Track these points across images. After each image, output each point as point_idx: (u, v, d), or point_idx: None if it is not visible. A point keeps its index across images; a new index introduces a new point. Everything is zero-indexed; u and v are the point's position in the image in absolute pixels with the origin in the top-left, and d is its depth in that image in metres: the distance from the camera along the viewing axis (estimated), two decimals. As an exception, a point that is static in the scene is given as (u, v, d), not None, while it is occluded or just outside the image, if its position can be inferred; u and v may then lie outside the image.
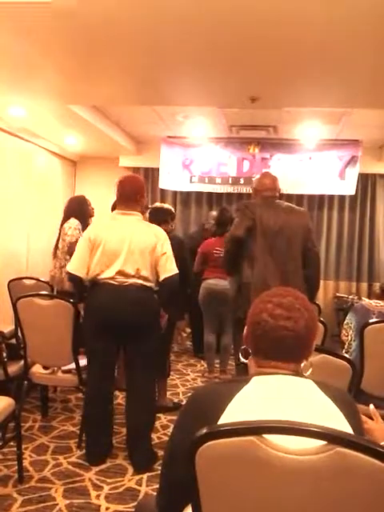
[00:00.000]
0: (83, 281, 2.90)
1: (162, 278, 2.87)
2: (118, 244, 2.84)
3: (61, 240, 4.34)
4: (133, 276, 2.82)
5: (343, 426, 1.11)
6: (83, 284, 2.92)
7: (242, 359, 1.33)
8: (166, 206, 4.14)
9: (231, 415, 1.09)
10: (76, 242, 4.01)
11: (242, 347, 1.32)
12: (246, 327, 1.31)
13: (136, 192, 3.00)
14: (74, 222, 4.27)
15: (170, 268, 2.88)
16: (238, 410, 1.10)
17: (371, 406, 1.55)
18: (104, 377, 2.93)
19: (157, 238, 2.89)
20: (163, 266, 2.86)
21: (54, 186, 6.48)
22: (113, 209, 3.55)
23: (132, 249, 2.83)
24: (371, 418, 1.52)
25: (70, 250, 3.98)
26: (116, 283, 2.82)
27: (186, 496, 1.13)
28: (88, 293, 2.95)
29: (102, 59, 3.20)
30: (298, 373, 1.23)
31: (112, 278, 2.82)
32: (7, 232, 5.29)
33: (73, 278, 2.93)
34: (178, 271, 2.91)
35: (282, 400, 1.14)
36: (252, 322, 1.27)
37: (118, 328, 2.81)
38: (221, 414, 1.10)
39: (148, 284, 2.87)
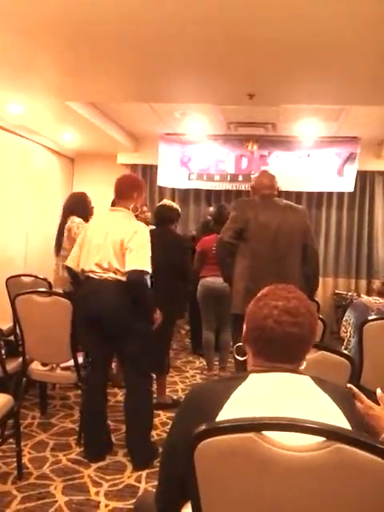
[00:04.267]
0: (77, 273, 2.98)
1: (126, 270, 2.75)
2: (99, 238, 2.87)
3: (65, 239, 4.21)
4: (107, 270, 2.82)
5: (341, 421, 1.11)
6: (78, 277, 3.00)
7: (238, 358, 1.32)
8: (175, 205, 4.04)
9: (229, 412, 1.09)
10: None
11: (237, 344, 1.31)
12: (245, 328, 1.29)
13: (128, 187, 2.98)
14: (79, 221, 4.20)
15: (131, 262, 2.74)
16: (235, 407, 1.10)
17: (378, 391, 1.52)
18: (96, 372, 2.95)
19: (130, 232, 2.80)
20: (128, 258, 2.75)
21: (52, 182, 6.47)
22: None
23: (107, 243, 2.84)
24: (378, 404, 1.49)
25: None
26: (96, 277, 2.84)
27: (185, 492, 1.14)
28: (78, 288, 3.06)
29: (99, 56, 3.19)
30: (295, 370, 1.23)
31: (93, 272, 2.85)
32: (5, 229, 5.29)
33: (68, 271, 3.07)
34: (143, 268, 2.74)
35: (280, 397, 1.14)
36: (255, 326, 1.24)
37: (99, 323, 2.80)
38: (219, 411, 1.10)
39: (123, 279, 2.79)
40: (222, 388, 1.17)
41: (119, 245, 2.80)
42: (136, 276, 2.73)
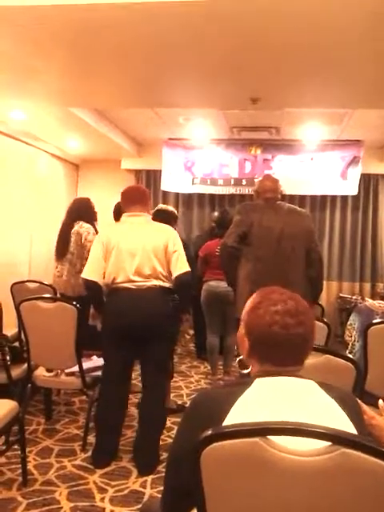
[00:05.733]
0: (101, 286, 2.88)
1: (174, 275, 2.88)
2: (131, 245, 2.86)
3: (72, 243, 4.19)
4: (150, 276, 2.83)
5: (347, 426, 1.11)
6: (101, 290, 2.89)
7: (244, 371, 1.30)
8: (170, 208, 4.14)
9: (234, 418, 1.08)
10: None
11: (239, 358, 1.30)
12: (247, 340, 1.28)
13: (141, 194, 3.09)
14: (89, 227, 4.20)
15: (181, 266, 2.89)
16: (241, 413, 1.10)
17: (380, 402, 1.53)
18: (121, 383, 2.95)
19: (168, 236, 2.93)
20: (174, 263, 2.89)
21: (57, 189, 6.49)
22: (115, 213, 3.55)
23: (146, 249, 2.85)
24: (380, 414, 1.50)
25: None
26: (134, 287, 2.82)
27: (191, 501, 1.13)
28: (106, 299, 2.94)
29: (102, 62, 3.21)
30: (299, 374, 1.23)
31: (129, 281, 2.82)
32: (10, 235, 5.31)
33: (89, 284, 2.89)
34: (189, 269, 2.94)
35: (286, 402, 1.13)
36: (261, 335, 1.24)
37: (137, 333, 2.81)
38: (224, 417, 1.10)
39: (166, 285, 2.89)
40: (226, 394, 1.17)
41: (163, 250, 2.86)
42: (187, 277, 2.91)
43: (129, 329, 2.81)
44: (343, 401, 1.17)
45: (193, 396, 1.27)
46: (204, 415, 1.15)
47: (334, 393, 1.18)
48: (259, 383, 1.18)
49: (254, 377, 1.22)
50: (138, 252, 2.84)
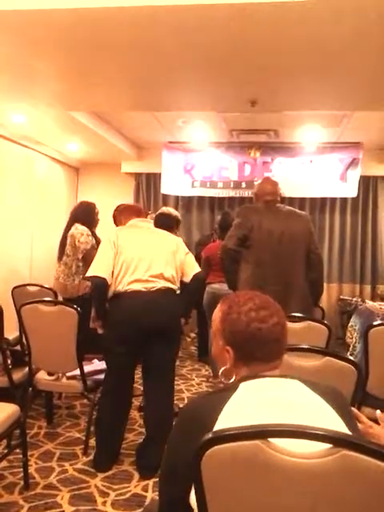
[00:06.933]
0: (108, 284, 2.81)
1: (191, 275, 3.01)
2: (141, 248, 2.90)
3: (68, 246, 4.26)
4: (159, 277, 2.85)
5: (337, 422, 1.12)
6: (107, 288, 2.82)
7: (229, 381, 1.26)
8: (174, 213, 4.10)
9: (224, 425, 1.07)
10: (92, 248, 4.02)
11: (223, 369, 1.27)
12: (230, 348, 1.25)
13: (139, 210, 3.32)
14: (83, 229, 4.24)
15: (195, 265, 3.08)
16: (229, 419, 1.09)
17: (378, 412, 1.54)
18: (126, 386, 2.95)
19: (176, 241, 3.08)
20: (190, 264, 3.04)
21: (57, 192, 6.50)
22: (114, 219, 3.55)
23: (157, 251, 2.92)
24: (377, 423, 1.51)
25: (86, 258, 3.98)
26: (144, 290, 2.81)
27: (189, 509, 1.12)
28: (111, 304, 2.88)
29: (102, 66, 3.22)
30: (282, 373, 1.24)
31: (139, 281, 2.81)
32: (10, 239, 5.31)
33: (97, 282, 2.81)
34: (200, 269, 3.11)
35: (273, 403, 1.13)
36: (243, 337, 1.23)
37: (147, 335, 2.80)
38: (213, 425, 1.08)
39: (173, 287, 2.93)
40: (213, 401, 1.16)
41: (174, 252, 2.97)
42: (202, 275, 3.17)
43: (141, 332, 2.78)
44: (329, 396, 1.18)
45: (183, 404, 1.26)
46: (193, 425, 1.13)
47: (320, 389, 1.19)
48: (245, 387, 1.18)
49: (238, 382, 1.21)
50: (149, 254, 2.88)
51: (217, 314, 1.32)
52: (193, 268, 3.03)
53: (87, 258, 3.89)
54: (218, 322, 1.30)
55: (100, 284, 2.81)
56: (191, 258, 3.08)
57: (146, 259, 2.86)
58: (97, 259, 2.88)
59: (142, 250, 2.89)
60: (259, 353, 1.23)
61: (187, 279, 3.01)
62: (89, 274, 2.85)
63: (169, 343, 2.89)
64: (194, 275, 3.01)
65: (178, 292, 2.99)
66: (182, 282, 3.02)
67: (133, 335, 2.81)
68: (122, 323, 2.82)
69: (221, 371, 1.29)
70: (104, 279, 2.78)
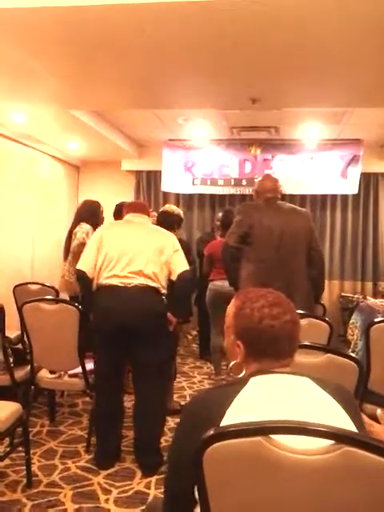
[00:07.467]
0: (89, 278, 2.89)
1: (177, 273, 2.92)
2: (126, 243, 2.88)
3: (72, 244, 4.26)
4: (138, 274, 2.82)
5: (345, 420, 1.12)
6: (89, 282, 2.91)
7: (238, 375, 1.27)
8: (176, 210, 4.08)
9: (232, 419, 1.07)
10: (83, 245, 4.03)
11: (233, 363, 1.29)
12: (239, 343, 1.27)
13: (143, 207, 3.25)
14: (85, 227, 4.24)
15: (183, 263, 2.97)
16: (238, 413, 1.09)
17: (378, 411, 1.55)
18: (114, 382, 2.94)
19: (167, 238, 3.00)
20: (177, 262, 2.94)
21: (58, 191, 6.50)
22: (115, 214, 3.56)
23: (141, 248, 2.87)
24: (378, 422, 1.52)
25: (75, 253, 3.99)
26: (121, 285, 2.81)
27: (193, 505, 1.13)
28: (94, 297, 2.94)
29: (102, 64, 3.21)
30: (293, 370, 1.24)
31: (117, 277, 2.81)
32: (12, 238, 5.32)
33: (79, 275, 2.94)
34: (189, 268, 3.00)
35: (283, 399, 1.13)
36: (254, 333, 1.24)
37: (124, 331, 2.79)
38: (221, 419, 1.09)
39: (154, 285, 2.85)
40: (221, 395, 1.16)
41: (161, 249, 2.90)
42: (189, 274, 2.99)
43: (116, 325, 2.78)
44: (338, 394, 1.18)
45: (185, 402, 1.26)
46: (200, 418, 1.13)
47: (329, 387, 1.19)
48: (254, 382, 1.18)
49: (248, 376, 1.21)
50: (132, 250, 2.86)
51: (230, 309, 1.34)
52: (179, 266, 2.93)
53: (76, 254, 3.90)
54: (231, 316, 1.31)
55: (80, 277, 2.94)
56: (179, 255, 2.96)
57: (128, 254, 2.85)
58: (83, 253, 3.01)
59: (127, 246, 2.87)
60: (270, 349, 1.24)
61: (174, 278, 2.94)
62: (76, 266, 3.00)
63: (151, 343, 2.81)
64: (178, 274, 2.91)
65: (164, 291, 2.94)
66: (170, 281, 2.97)
67: (108, 329, 2.83)
68: (97, 316, 2.90)
69: (231, 365, 1.30)
70: (84, 272, 2.90)
